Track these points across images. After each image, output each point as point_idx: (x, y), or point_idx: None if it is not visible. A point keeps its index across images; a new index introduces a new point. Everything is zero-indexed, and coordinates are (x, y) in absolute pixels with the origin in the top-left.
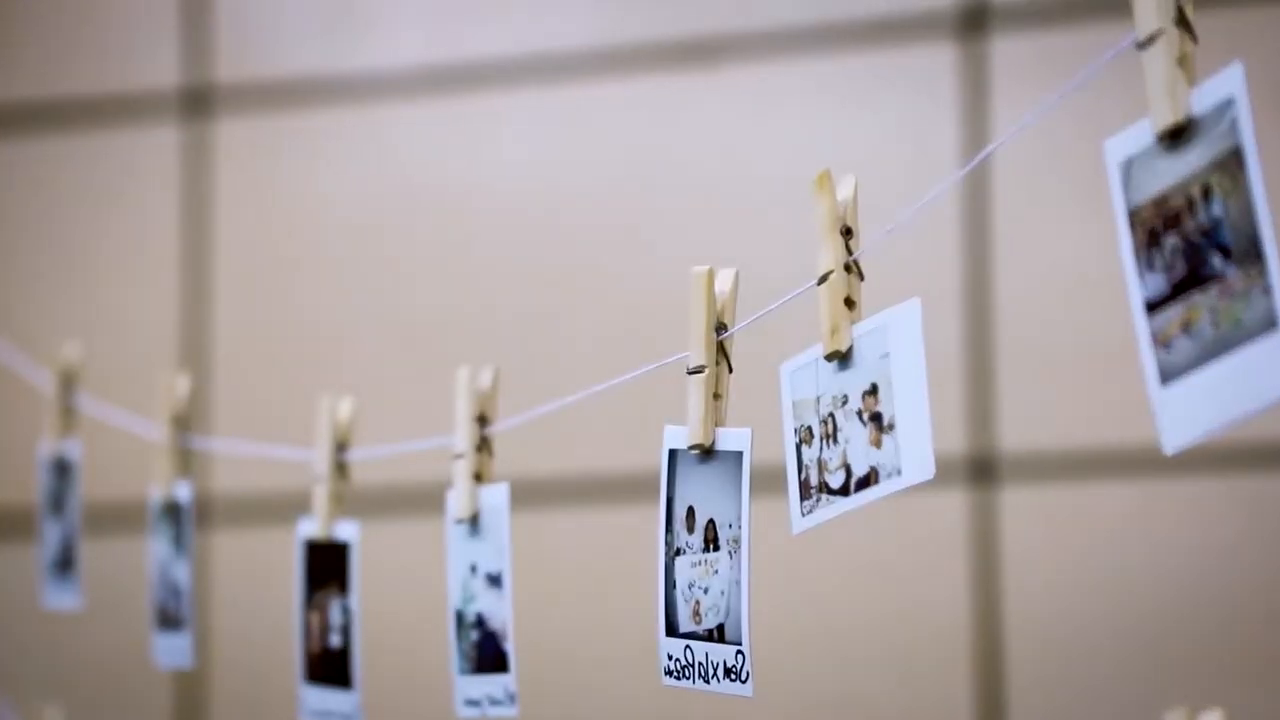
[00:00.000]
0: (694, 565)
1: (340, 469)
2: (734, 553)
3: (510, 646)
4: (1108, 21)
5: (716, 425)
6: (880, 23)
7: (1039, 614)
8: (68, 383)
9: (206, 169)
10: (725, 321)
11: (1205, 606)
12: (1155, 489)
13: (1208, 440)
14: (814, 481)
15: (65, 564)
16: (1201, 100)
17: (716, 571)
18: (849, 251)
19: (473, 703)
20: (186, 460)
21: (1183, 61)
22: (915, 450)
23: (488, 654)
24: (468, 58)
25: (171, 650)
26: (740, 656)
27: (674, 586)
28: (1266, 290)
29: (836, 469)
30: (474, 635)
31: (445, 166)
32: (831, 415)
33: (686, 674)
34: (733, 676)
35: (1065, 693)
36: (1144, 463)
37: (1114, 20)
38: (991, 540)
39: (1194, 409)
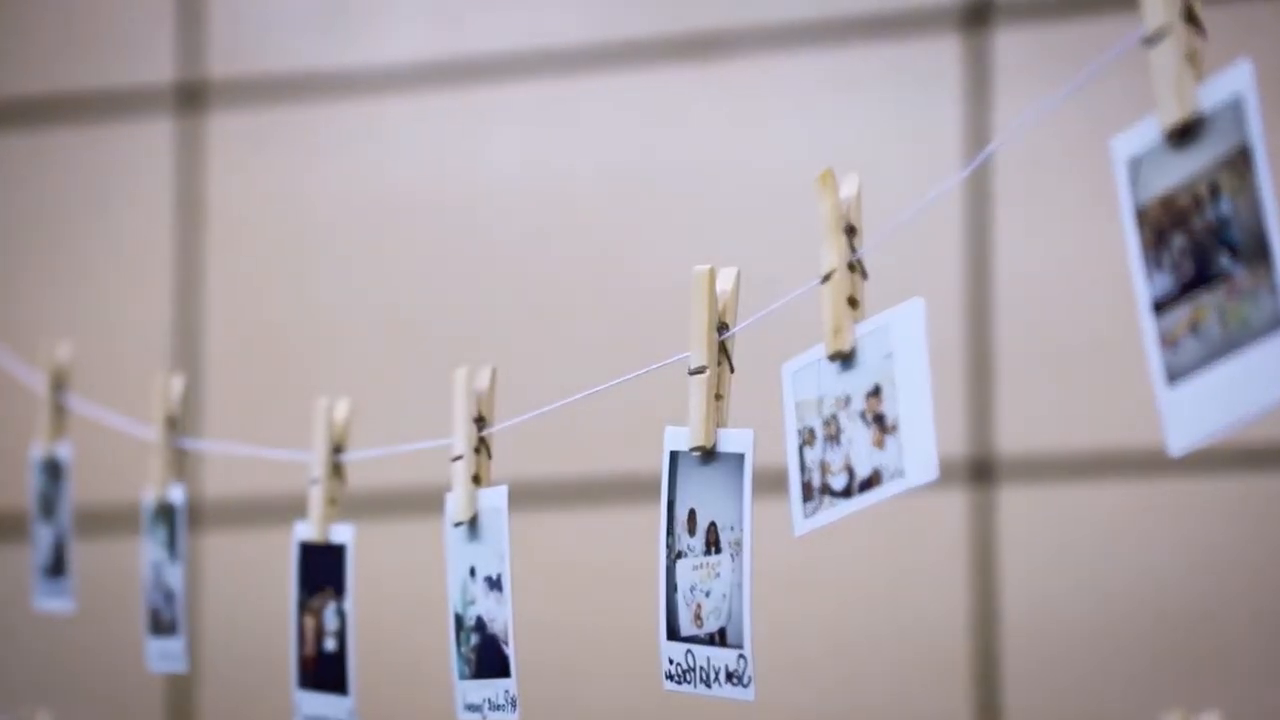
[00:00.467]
0: (695, 568)
1: (336, 470)
2: (736, 555)
3: (511, 650)
4: (1113, 15)
5: (718, 426)
6: (883, 17)
7: (1036, 613)
8: (59, 384)
9: (200, 165)
10: (726, 321)
11: (1204, 607)
12: (1155, 490)
13: (1211, 441)
14: (816, 483)
15: (57, 566)
16: (1209, 97)
17: (718, 574)
18: (852, 250)
19: (473, 707)
20: (181, 462)
21: (1191, 58)
22: (918, 451)
23: (488, 658)
24: (466, 53)
25: (165, 654)
26: (742, 660)
27: (675, 590)
28: (1274, 290)
29: (839, 470)
30: (474, 639)
31: (442, 163)
32: (834, 416)
33: (688, 678)
34: (735, 680)
35: (1062, 692)
36: (1144, 463)
37: (1119, 14)
38: (990, 540)
39: (1201, 409)
